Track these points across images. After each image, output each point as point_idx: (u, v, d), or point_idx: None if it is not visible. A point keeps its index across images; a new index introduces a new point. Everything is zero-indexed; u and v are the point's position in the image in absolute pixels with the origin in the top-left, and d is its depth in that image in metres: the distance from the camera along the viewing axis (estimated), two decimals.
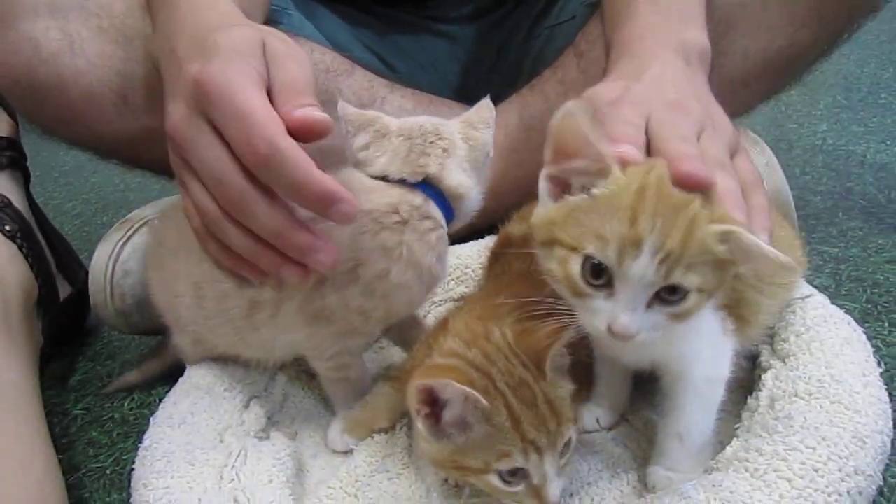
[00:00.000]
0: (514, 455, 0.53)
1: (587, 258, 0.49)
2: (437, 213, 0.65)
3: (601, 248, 0.48)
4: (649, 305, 0.50)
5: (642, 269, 0.48)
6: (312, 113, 0.58)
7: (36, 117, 0.91)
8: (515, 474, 0.54)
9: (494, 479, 0.54)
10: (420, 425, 0.55)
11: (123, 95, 0.89)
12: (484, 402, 0.52)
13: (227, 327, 0.67)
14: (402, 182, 0.64)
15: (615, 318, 0.49)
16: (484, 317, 0.62)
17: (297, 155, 0.56)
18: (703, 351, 0.58)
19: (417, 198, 0.64)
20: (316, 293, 0.63)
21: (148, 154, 0.94)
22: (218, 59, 0.59)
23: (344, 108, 0.68)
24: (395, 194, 0.64)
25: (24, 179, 1.05)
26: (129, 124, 0.90)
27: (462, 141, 0.67)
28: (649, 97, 0.60)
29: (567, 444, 0.56)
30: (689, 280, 0.49)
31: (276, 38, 0.63)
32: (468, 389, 0.51)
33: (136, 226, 0.89)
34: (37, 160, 1.89)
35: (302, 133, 0.57)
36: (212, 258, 0.65)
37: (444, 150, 0.65)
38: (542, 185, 0.53)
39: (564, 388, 0.56)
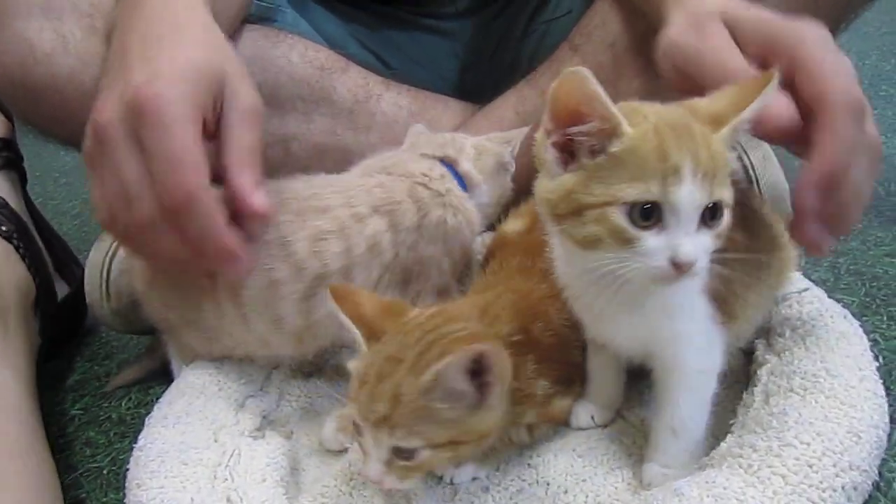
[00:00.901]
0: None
1: (633, 205, 0.49)
2: (457, 183, 0.79)
3: (644, 191, 0.49)
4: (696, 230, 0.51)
5: (689, 192, 0.48)
6: (261, 202, 0.61)
7: (31, 118, 0.91)
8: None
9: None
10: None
11: None
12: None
13: (266, 318, 0.69)
14: (432, 158, 0.80)
15: (677, 247, 0.49)
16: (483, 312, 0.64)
17: (211, 211, 0.59)
18: (696, 339, 0.58)
19: (443, 169, 0.79)
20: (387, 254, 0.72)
21: None
22: (164, 80, 0.59)
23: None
24: (428, 161, 0.79)
25: (21, 180, 1.05)
26: None
27: (471, 148, 0.83)
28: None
29: (409, 453, 0.55)
30: (725, 194, 0.51)
31: (241, 74, 0.63)
32: None
33: None
34: (36, 161, 1.90)
35: (240, 210, 0.61)
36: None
37: (459, 149, 0.82)
38: (550, 156, 0.52)
39: (437, 406, 0.54)
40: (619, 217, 0.49)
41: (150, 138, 0.58)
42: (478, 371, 0.54)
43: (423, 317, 0.60)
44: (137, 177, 0.59)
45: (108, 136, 0.60)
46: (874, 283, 0.87)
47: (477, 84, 1.11)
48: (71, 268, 1.05)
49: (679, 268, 0.49)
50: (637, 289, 0.53)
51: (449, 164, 0.81)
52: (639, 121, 0.50)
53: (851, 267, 0.91)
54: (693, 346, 0.58)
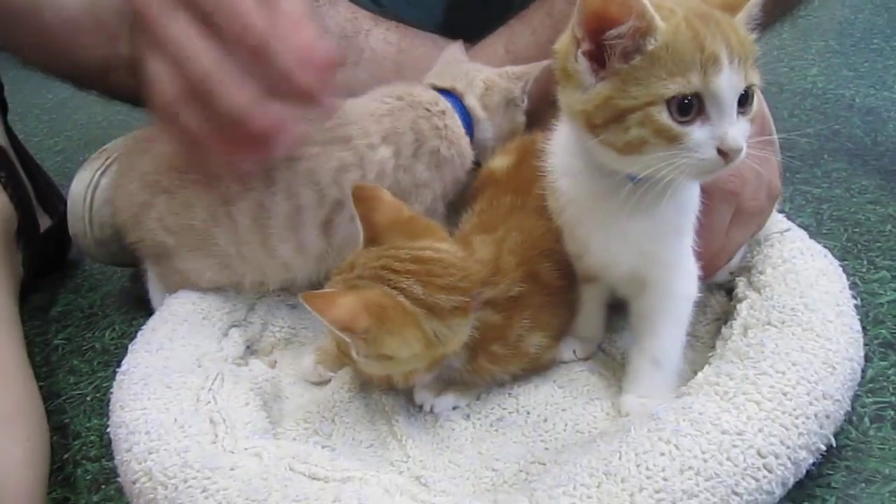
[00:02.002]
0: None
1: (672, 100, 0.49)
2: (457, 118, 0.81)
3: (686, 84, 0.48)
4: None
5: (728, 78, 0.49)
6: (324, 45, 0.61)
7: (10, 43, 0.89)
8: None
9: None
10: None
11: (99, 21, 0.87)
12: None
13: (291, 243, 0.72)
14: (439, 90, 0.82)
15: (724, 136, 0.49)
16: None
17: (286, 49, 0.58)
18: (685, 262, 0.59)
19: (446, 105, 0.80)
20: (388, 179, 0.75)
21: (125, 82, 0.92)
22: None
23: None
24: (433, 94, 0.80)
25: (2, 110, 1.03)
26: (106, 50, 0.88)
27: (482, 82, 0.83)
28: None
29: None
30: (756, 77, 0.51)
31: None
32: None
33: (115, 155, 0.87)
34: (18, 97, 1.87)
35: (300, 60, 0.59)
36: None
37: (469, 83, 0.83)
38: (582, 67, 0.51)
39: None
40: (663, 115, 0.49)
41: (209, 5, 0.58)
42: None
43: (409, 252, 0.61)
44: (191, 31, 0.58)
45: (153, 6, 0.59)
46: (856, 229, 0.88)
47: (465, 23, 1.10)
48: (54, 201, 1.04)
49: (727, 156, 0.49)
50: (652, 197, 0.53)
51: (456, 96, 0.82)
52: (667, 15, 0.49)
53: (835, 213, 0.92)
54: (682, 270, 0.59)
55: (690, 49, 0.48)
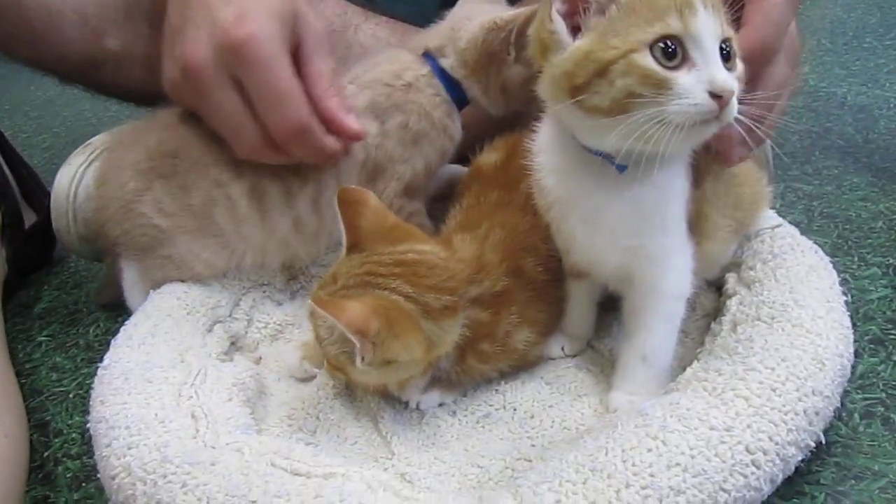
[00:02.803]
0: None
1: (655, 45, 0.48)
2: (437, 84, 0.78)
3: (665, 27, 0.48)
4: None
5: (705, 20, 0.49)
6: (351, 122, 0.68)
7: None
8: None
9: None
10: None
11: (84, 16, 0.87)
12: None
13: (286, 220, 0.73)
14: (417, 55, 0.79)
15: (713, 77, 0.48)
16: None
17: (321, 136, 0.66)
18: (675, 258, 0.58)
19: (418, 72, 0.77)
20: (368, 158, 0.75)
21: (112, 77, 0.92)
22: (254, 20, 0.61)
23: None
24: (404, 61, 0.78)
25: None
26: (91, 45, 0.88)
27: (465, 34, 0.77)
28: None
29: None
30: (731, 33, 0.51)
31: (308, 6, 0.67)
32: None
33: (100, 150, 0.86)
34: (7, 94, 1.87)
35: (329, 128, 0.67)
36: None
37: (452, 40, 0.78)
38: (559, 27, 0.50)
39: (325, 326, 0.58)
40: (646, 59, 0.48)
41: (251, 78, 0.62)
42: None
43: (392, 256, 0.60)
44: (239, 108, 0.64)
45: (204, 76, 0.63)
46: (847, 226, 0.88)
47: None
48: (40, 198, 1.03)
49: (720, 99, 0.48)
50: (638, 187, 0.54)
51: (432, 56, 0.79)
52: None
53: (825, 210, 0.92)
54: (671, 266, 0.58)
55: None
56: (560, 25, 0.50)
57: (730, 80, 0.49)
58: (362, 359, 0.55)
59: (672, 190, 0.57)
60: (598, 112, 0.50)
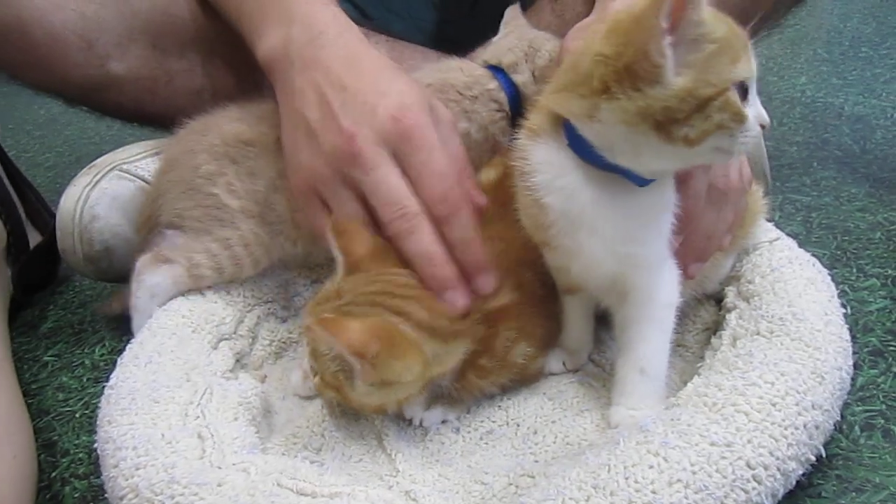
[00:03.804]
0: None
1: (739, 84, 0.51)
2: (503, 98, 0.80)
3: (746, 68, 0.51)
4: None
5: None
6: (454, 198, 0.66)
7: None
8: None
9: None
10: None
11: (88, 40, 0.88)
12: None
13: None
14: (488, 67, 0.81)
15: (761, 113, 0.53)
16: None
17: (473, 218, 0.66)
18: (666, 270, 0.59)
19: (493, 82, 0.79)
20: None
21: (116, 99, 0.93)
22: (414, 108, 0.66)
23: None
24: (475, 73, 0.80)
25: None
26: (95, 69, 0.89)
27: (547, 53, 0.80)
28: None
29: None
30: None
31: (437, 101, 0.71)
32: None
33: (104, 171, 0.87)
34: (10, 113, 1.88)
35: (442, 218, 0.65)
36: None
37: (526, 55, 0.81)
38: (670, 62, 0.49)
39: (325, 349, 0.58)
40: (736, 97, 0.50)
41: (418, 157, 0.65)
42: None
43: (401, 276, 0.62)
44: (400, 182, 0.65)
45: (366, 155, 0.65)
46: (845, 237, 0.88)
47: (456, 36, 1.10)
48: (44, 217, 1.04)
49: (763, 129, 0.53)
50: (650, 197, 0.57)
51: (502, 71, 0.81)
52: None
53: (824, 221, 0.92)
54: (663, 275, 0.59)
55: (737, 36, 0.51)
56: (671, 61, 0.49)
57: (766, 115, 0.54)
58: (361, 380, 0.56)
59: (668, 199, 0.58)
60: (685, 142, 0.51)
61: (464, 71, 0.81)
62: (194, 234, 0.76)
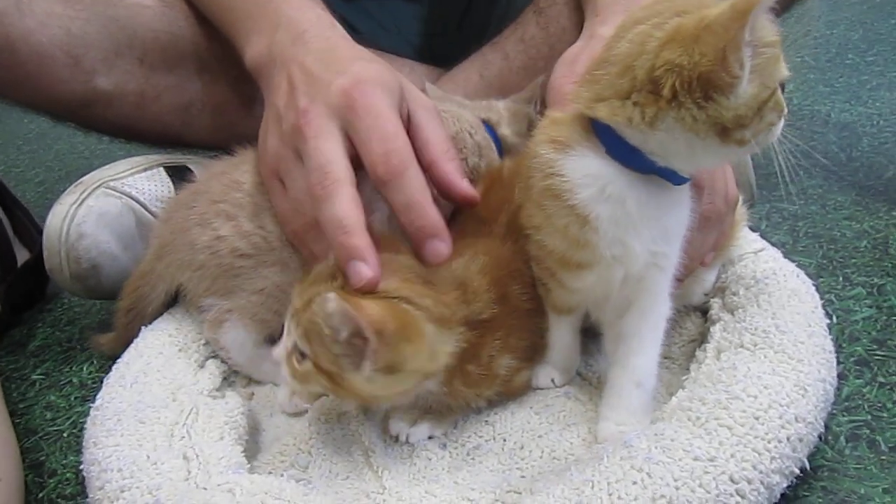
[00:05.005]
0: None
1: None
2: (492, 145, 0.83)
3: (785, 70, 0.53)
4: None
5: None
6: (468, 189, 0.68)
7: None
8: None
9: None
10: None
11: (75, 56, 0.88)
12: None
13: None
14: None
15: (784, 106, 0.55)
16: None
17: (421, 182, 0.64)
18: (668, 282, 0.60)
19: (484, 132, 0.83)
20: None
21: (103, 115, 0.93)
22: (369, 83, 0.66)
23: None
24: (476, 121, 0.83)
25: None
26: (81, 85, 0.89)
27: (505, 111, 0.85)
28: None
29: (300, 356, 0.58)
30: None
31: (411, 84, 0.71)
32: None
33: (91, 188, 0.87)
34: None
35: (382, 180, 0.64)
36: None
37: (498, 113, 0.85)
38: (746, 71, 0.50)
39: (324, 331, 0.55)
40: (781, 95, 0.52)
41: (363, 123, 0.64)
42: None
43: (402, 262, 0.61)
44: (341, 156, 0.64)
45: (313, 128, 0.65)
46: (832, 246, 0.89)
47: (444, 49, 1.11)
48: (32, 234, 1.04)
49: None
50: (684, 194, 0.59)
51: (490, 126, 0.84)
52: None
53: (810, 230, 0.93)
54: (665, 289, 0.60)
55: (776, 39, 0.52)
56: (747, 70, 0.50)
57: None
58: (372, 361, 0.55)
59: (688, 195, 0.60)
60: (739, 143, 0.52)
61: (472, 112, 0.84)
62: (231, 295, 0.74)
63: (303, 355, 0.58)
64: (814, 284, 0.70)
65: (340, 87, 0.65)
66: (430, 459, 0.63)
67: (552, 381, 0.69)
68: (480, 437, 0.65)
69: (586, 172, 0.56)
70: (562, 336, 0.68)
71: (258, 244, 0.72)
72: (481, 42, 1.03)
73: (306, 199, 0.66)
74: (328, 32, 0.74)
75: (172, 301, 0.79)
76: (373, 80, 0.66)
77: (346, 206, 0.61)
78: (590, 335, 0.70)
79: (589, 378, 0.70)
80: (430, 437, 0.65)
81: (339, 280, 0.59)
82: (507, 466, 0.61)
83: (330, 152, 0.64)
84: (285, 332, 0.60)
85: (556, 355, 0.69)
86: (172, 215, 0.78)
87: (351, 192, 0.62)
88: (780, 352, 0.58)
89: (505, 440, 0.64)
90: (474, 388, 0.64)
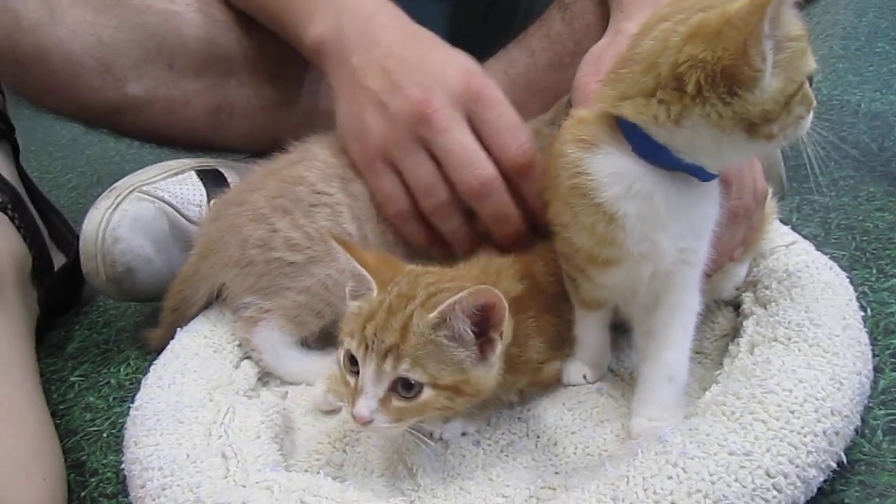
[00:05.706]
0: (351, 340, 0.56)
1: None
2: None
3: (813, 63, 0.53)
4: None
5: None
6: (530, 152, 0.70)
7: (20, 88, 0.91)
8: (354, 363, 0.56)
9: (341, 354, 0.58)
10: None
11: (106, 63, 0.89)
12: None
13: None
14: None
15: (812, 98, 0.55)
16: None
17: (505, 194, 0.70)
18: (697, 277, 0.60)
19: None
20: None
21: (134, 122, 0.95)
22: (478, 73, 0.70)
23: None
24: None
25: (14, 151, 1.05)
26: (114, 92, 0.91)
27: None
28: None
29: (411, 388, 0.55)
30: None
31: (485, 76, 0.73)
32: None
33: (125, 193, 0.88)
34: (32, 134, 1.91)
35: (520, 171, 0.70)
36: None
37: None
38: (769, 64, 0.50)
39: (444, 344, 0.55)
40: (809, 88, 0.52)
41: (441, 145, 0.69)
42: (482, 325, 0.55)
43: (426, 269, 0.62)
44: (431, 169, 0.70)
45: (394, 146, 0.70)
46: (864, 237, 0.88)
47: (469, 48, 1.11)
48: (68, 238, 1.06)
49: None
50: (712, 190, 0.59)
51: None
52: None
53: (842, 222, 0.92)
54: (695, 284, 0.60)
55: (804, 29, 0.52)
56: (769, 63, 0.50)
57: None
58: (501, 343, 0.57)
59: (717, 191, 0.60)
60: (768, 138, 0.53)
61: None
62: (274, 295, 0.75)
63: (410, 387, 0.55)
64: (847, 276, 0.69)
65: (458, 77, 0.69)
66: (463, 456, 0.63)
67: (584, 377, 0.70)
68: (514, 433, 0.65)
69: (613, 171, 0.56)
70: (591, 332, 0.68)
71: (312, 236, 0.74)
72: (506, 39, 1.03)
73: (437, 183, 0.71)
74: (399, 17, 0.77)
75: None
76: (476, 68, 0.70)
77: (505, 201, 0.70)
78: (620, 331, 0.70)
79: (621, 374, 0.70)
80: (463, 434, 0.65)
81: (422, 295, 0.57)
82: (540, 463, 0.61)
83: (475, 150, 0.69)
84: (361, 388, 0.56)
85: (586, 350, 0.69)
86: (222, 213, 0.79)
87: (504, 187, 0.69)
88: (815, 345, 0.58)
89: (538, 437, 0.64)
90: (512, 373, 0.64)
